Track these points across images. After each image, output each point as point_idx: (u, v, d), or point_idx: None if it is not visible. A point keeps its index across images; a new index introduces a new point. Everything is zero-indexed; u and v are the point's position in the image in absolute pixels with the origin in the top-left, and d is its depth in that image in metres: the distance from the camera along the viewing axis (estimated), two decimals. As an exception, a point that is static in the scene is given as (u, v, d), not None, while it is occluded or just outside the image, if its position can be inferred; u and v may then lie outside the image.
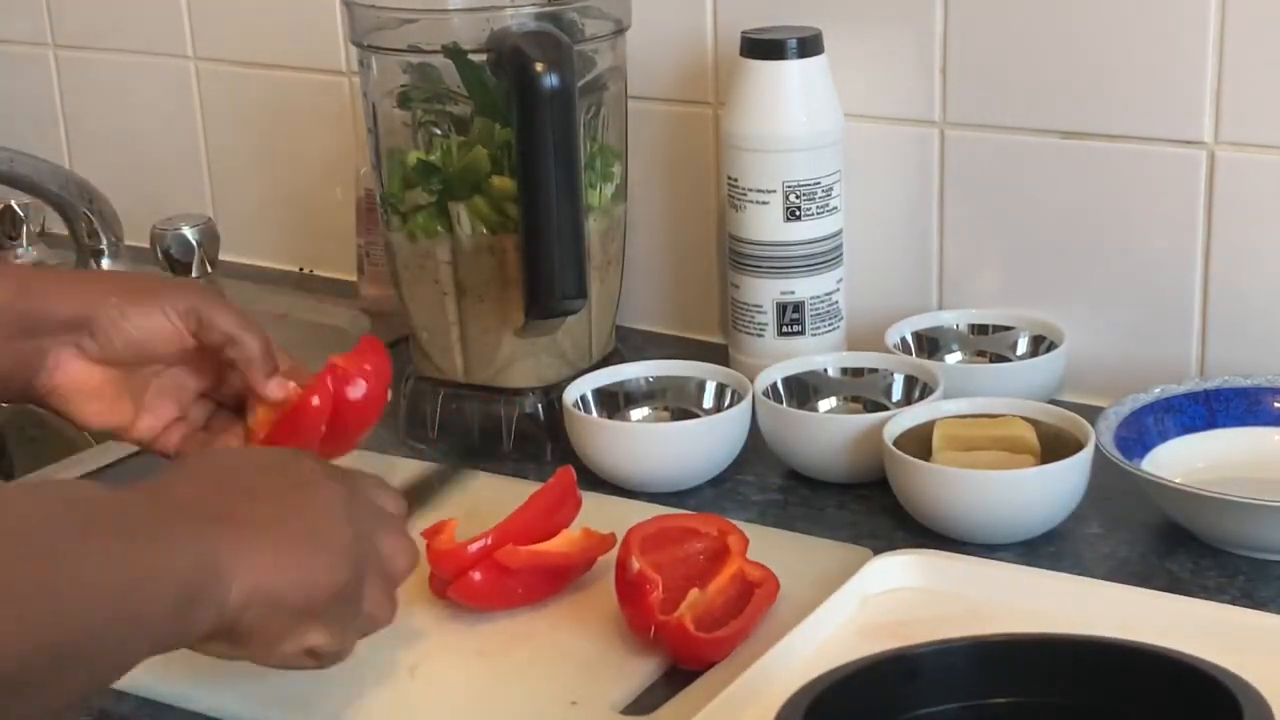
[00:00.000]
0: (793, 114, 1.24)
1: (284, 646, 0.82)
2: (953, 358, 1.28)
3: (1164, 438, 1.12)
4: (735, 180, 1.27)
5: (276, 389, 1.02)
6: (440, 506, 1.08)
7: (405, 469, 1.15)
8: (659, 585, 0.95)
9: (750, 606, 0.96)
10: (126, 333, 0.99)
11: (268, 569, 0.79)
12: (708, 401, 1.21)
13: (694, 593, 0.96)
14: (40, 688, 0.69)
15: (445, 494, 1.11)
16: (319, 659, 0.84)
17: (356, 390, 1.04)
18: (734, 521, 1.03)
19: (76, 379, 0.99)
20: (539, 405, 1.22)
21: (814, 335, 1.28)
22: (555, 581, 1.02)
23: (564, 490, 1.05)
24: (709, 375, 1.22)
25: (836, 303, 1.29)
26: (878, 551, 1.03)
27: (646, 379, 1.23)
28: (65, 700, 0.71)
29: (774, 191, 1.25)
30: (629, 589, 0.96)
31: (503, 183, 1.18)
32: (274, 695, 0.94)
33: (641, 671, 0.95)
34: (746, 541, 1.00)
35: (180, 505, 0.80)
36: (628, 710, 0.92)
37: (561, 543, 1.02)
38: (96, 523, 0.74)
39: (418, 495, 1.08)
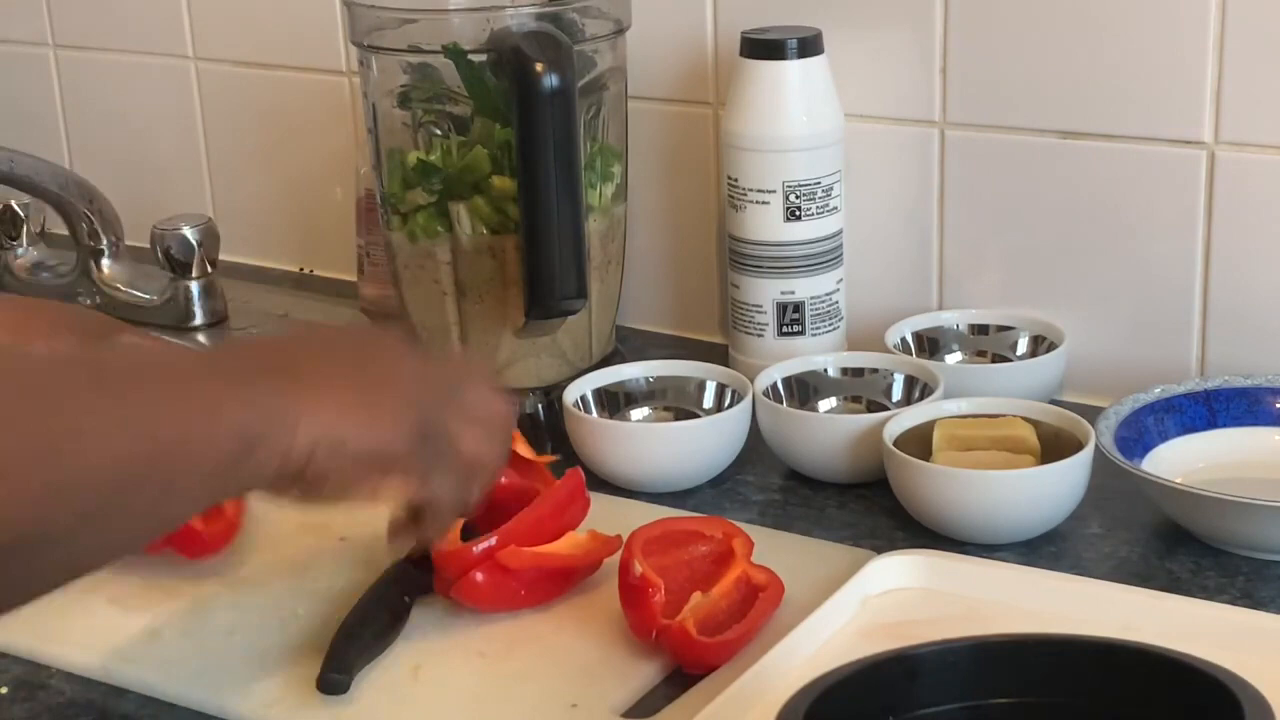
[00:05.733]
0: (793, 114, 1.24)
1: (359, 490, 0.82)
2: (953, 358, 1.28)
3: (1164, 438, 1.12)
4: (735, 180, 1.27)
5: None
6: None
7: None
8: (661, 589, 0.95)
9: (754, 611, 0.96)
10: None
11: (333, 414, 0.79)
12: (708, 401, 1.21)
13: (696, 596, 0.96)
14: (66, 543, 0.68)
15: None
16: (420, 506, 0.88)
17: None
18: (734, 522, 1.03)
19: None
20: (539, 405, 1.22)
21: (814, 335, 1.28)
22: (558, 583, 1.02)
23: (572, 492, 1.04)
24: (709, 375, 1.22)
25: (836, 303, 1.29)
26: (878, 552, 1.03)
27: (646, 379, 1.23)
28: (101, 555, 0.71)
29: (774, 191, 1.25)
30: (631, 592, 0.96)
31: (503, 183, 1.18)
32: (276, 695, 0.94)
33: (643, 675, 0.95)
34: (751, 545, 1.00)
35: (243, 361, 0.80)
36: (628, 713, 0.92)
37: (565, 545, 1.02)
38: (129, 377, 0.73)
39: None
